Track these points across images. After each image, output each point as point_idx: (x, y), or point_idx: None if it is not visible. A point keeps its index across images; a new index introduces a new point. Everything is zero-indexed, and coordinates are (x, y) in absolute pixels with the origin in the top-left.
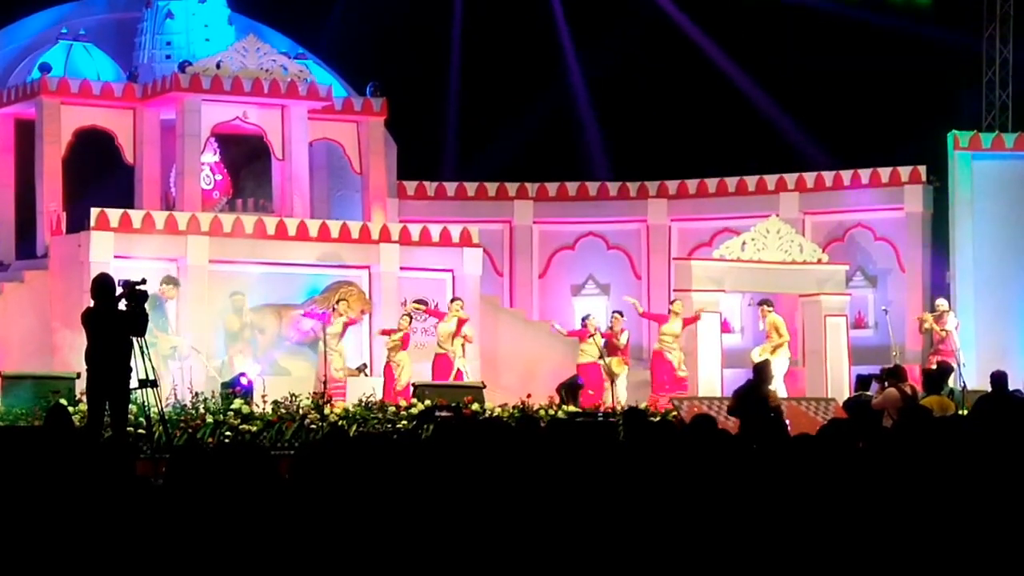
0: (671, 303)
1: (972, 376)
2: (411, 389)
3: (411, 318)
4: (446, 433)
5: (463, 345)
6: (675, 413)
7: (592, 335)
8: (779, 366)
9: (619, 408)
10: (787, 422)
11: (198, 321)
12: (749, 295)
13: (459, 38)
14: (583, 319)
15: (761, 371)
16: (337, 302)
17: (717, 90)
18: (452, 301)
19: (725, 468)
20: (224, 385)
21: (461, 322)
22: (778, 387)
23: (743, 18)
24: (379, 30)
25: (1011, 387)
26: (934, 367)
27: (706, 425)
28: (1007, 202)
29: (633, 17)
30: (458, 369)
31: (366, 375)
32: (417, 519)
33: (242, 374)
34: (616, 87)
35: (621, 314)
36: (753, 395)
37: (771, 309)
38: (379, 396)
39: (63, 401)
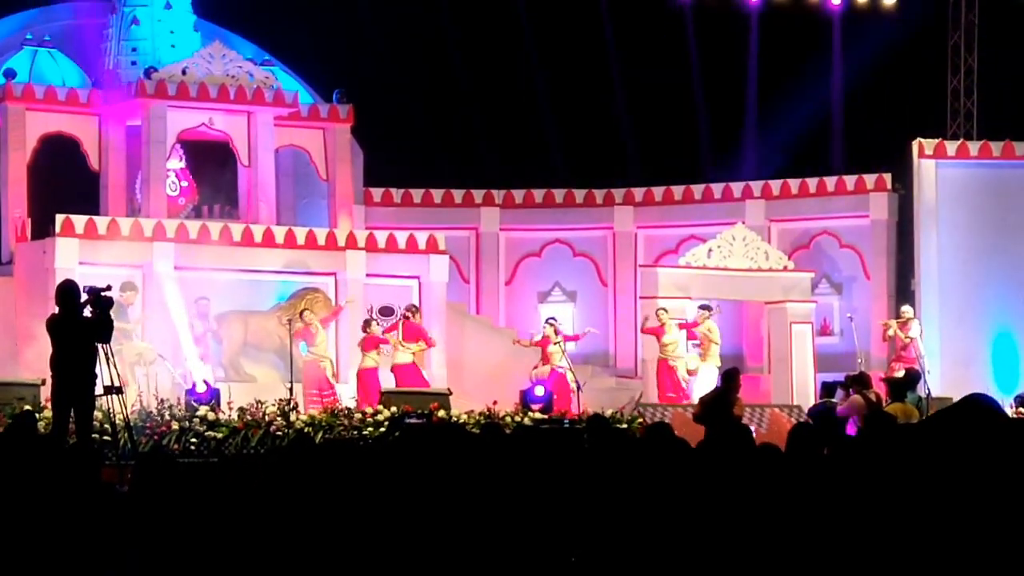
0: (658, 312)
1: (936, 384)
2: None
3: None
4: (413, 439)
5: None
6: (641, 420)
7: (557, 342)
8: (709, 373)
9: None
10: (752, 429)
11: (164, 328)
12: (715, 302)
13: (425, 44)
14: (547, 321)
15: (729, 378)
16: (302, 312)
17: (681, 96)
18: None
19: (679, 476)
20: (189, 392)
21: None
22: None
23: (706, 22)
24: (346, 36)
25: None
26: (897, 374)
27: (662, 433)
28: (972, 210)
29: (599, 22)
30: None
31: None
32: (385, 522)
33: (194, 384)
34: (582, 92)
35: (555, 320)
36: (720, 402)
37: (708, 315)
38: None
39: (28, 407)
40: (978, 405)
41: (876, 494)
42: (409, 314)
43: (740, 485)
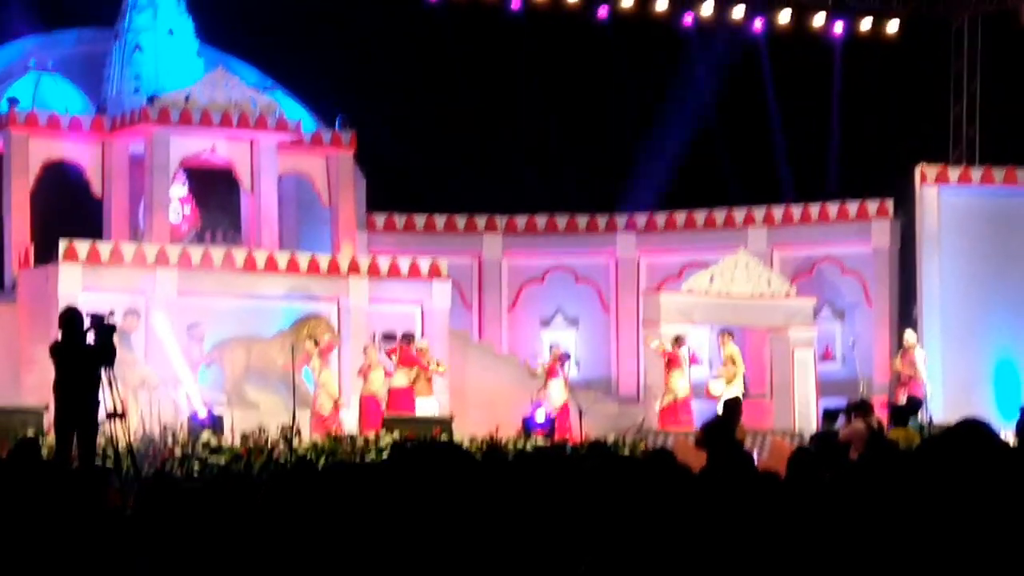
0: (677, 338)
1: (938, 410)
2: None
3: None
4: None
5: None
6: (643, 445)
7: (560, 368)
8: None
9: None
10: (755, 455)
11: (166, 353)
12: (717, 328)
13: (427, 70)
14: (551, 347)
15: (731, 408)
16: (307, 340)
17: (687, 123)
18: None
19: (680, 501)
20: (192, 418)
21: (414, 362)
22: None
23: (713, 50)
24: (348, 63)
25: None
26: (902, 402)
27: (663, 459)
28: (974, 236)
29: (603, 49)
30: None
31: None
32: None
33: (195, 410)
34: (585, 118)
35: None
36: (722, 429)
37: (731, 338)
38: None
39: (31, 433)
40: (974, 429)
41: (876, 519)
42: (405, 341)
43: (740, 511)
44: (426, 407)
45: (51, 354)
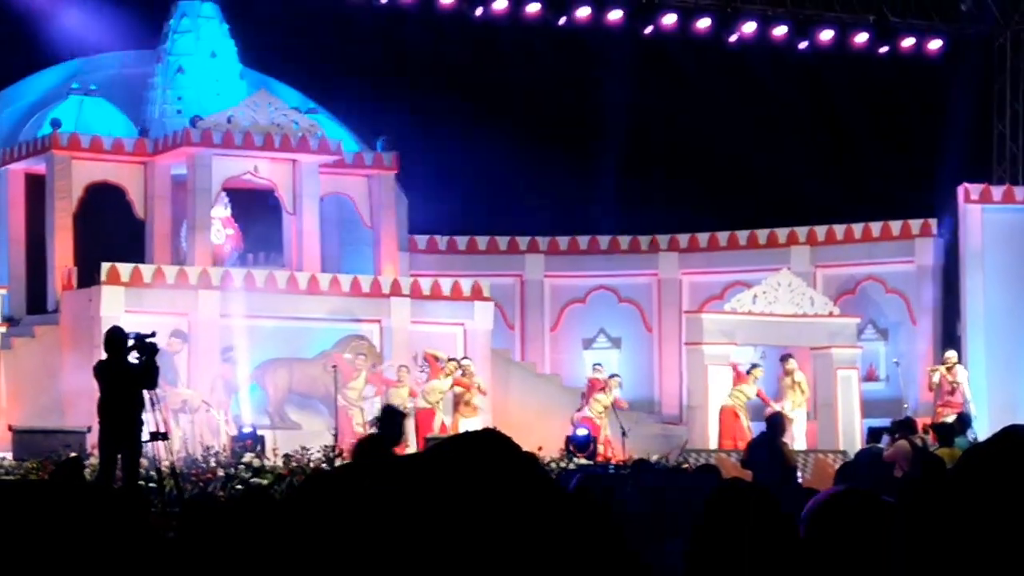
0: (752, 368)
1: (982, 429)
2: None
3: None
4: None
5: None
6: (687, 465)
7: (604, 387)
8: (802, 420)
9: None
10: (800, 476)
11: (209, 375)
12: (761, 348)
13: (469, 91)
14: (594, 366)
15: (775, 423)
16: (356, 356)
17: (728, 142)
18: (450, 360)
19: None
20: (235, 439)
21: (458, 383)
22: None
23: (753, 70)
24: (390, 84)
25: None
26: (946, 419)
27: (712, 474)
28: (1018, 254)
29: (646, 69)
30: (442, 422)
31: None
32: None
33: (254, 428)
34: (628, 140)
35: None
36: (767, 447)
37: (794, 363)
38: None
39: (74, 454)
40: (1017, 437)
41: (924, 535)
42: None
43: (787, 527)
44: (471, 428)
45: (96, 374)
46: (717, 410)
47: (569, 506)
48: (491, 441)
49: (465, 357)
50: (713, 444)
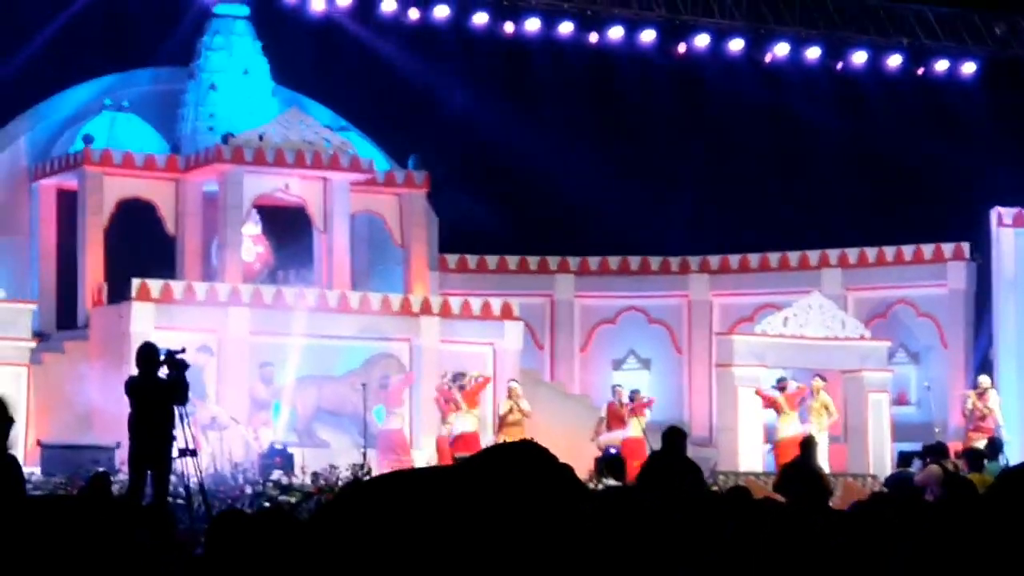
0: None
1: (1015, 455)
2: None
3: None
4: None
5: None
6: (717, 488)
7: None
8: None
9: None
10: (831, 499)
11: (238, 392)
12: (791, 371)
13: (500, 110)
14: (632, 393)
15: (807, 447)
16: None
17: (761, 163)
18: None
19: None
20: (263, 456)
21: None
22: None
23: (786, 91)
24: (422, 103)
25: None
26: (976, 444)
27: (742, 496)
28: None
29: (680, 87)
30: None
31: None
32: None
33: (285, 445)
34: (661, 160)
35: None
36: (800, 471)
37: (824, 385)
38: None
39: (102, 469)
40: None
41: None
42: (455, 381)
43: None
44: None
45: (127, 390)
46: (747, 433)
47: (602, 516)
48: (527, 452)
49: (512, 379)
50: (745, 467)
